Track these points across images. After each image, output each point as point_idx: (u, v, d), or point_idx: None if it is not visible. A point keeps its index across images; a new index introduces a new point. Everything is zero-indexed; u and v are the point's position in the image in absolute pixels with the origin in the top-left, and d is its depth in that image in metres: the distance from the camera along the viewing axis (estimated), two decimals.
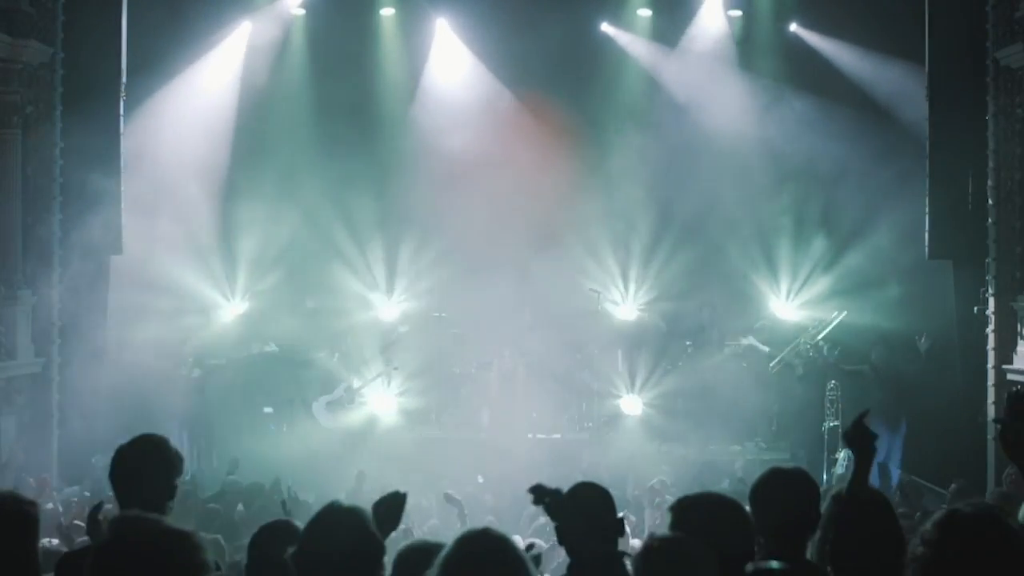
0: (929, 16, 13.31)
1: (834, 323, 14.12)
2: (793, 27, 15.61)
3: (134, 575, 2.74)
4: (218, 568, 4.22)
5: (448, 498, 9.10)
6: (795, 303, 15.38)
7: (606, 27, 16.09)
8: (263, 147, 15.52)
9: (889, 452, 13.36)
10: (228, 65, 15.45)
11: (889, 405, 13.43)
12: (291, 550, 3.46)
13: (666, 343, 15.14)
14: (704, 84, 15.49)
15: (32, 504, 3.41)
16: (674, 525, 3.72)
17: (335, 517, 3.46)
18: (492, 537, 3.01)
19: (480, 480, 13.20)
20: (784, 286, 15.47)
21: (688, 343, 14.82)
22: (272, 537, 4.02)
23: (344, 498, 9.49)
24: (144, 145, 14.17)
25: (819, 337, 14.01)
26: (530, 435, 13.64)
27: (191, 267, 14.75)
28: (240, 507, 10.08)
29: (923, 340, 13.82)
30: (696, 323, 15.04)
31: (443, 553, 3.03)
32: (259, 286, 15.41)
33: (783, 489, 3.93)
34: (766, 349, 14.47)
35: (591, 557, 3.84)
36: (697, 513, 3.73)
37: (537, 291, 15.88)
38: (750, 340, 14.53)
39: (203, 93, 15.19)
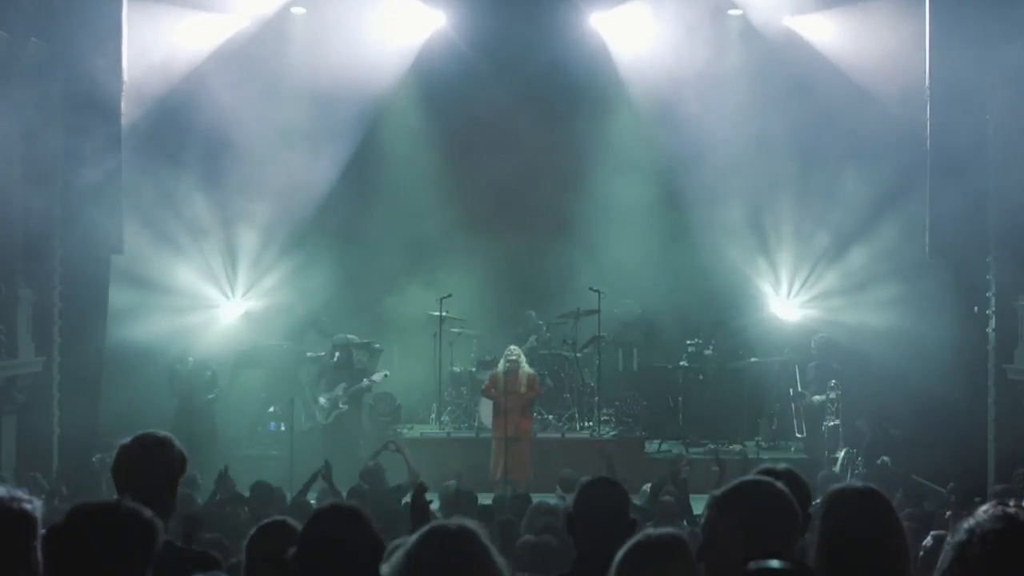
0: (930, 15, 13.30)
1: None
2: (786, 21, 15.47)
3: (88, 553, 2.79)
4: (219, 568, 4.22)
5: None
6: (796, 302, 15.40)
7: (596, 19, 15.95)
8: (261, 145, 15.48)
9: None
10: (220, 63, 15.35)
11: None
12: (292, 550, 3.46)
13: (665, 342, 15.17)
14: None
15: (30, 501, 3.39)
16: (713, 518, 3.54)
17: (334, 515, 3.46)
18: (462, 528, 2.99)
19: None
20: (784, 284, 15.48)
21: (688, 342, 14.81)
22: (269, 536, 4.01)
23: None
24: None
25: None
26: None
27: (192, 265, 14.73)
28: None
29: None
30: (695, 321, 15.04)
31: (409, 542, 3.01)
32: (260, 284, 15.41)
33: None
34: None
35: (598, 554, 3.82)
36: (740, 503, 3.56)
37: (538, 289, 15.90)
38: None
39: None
